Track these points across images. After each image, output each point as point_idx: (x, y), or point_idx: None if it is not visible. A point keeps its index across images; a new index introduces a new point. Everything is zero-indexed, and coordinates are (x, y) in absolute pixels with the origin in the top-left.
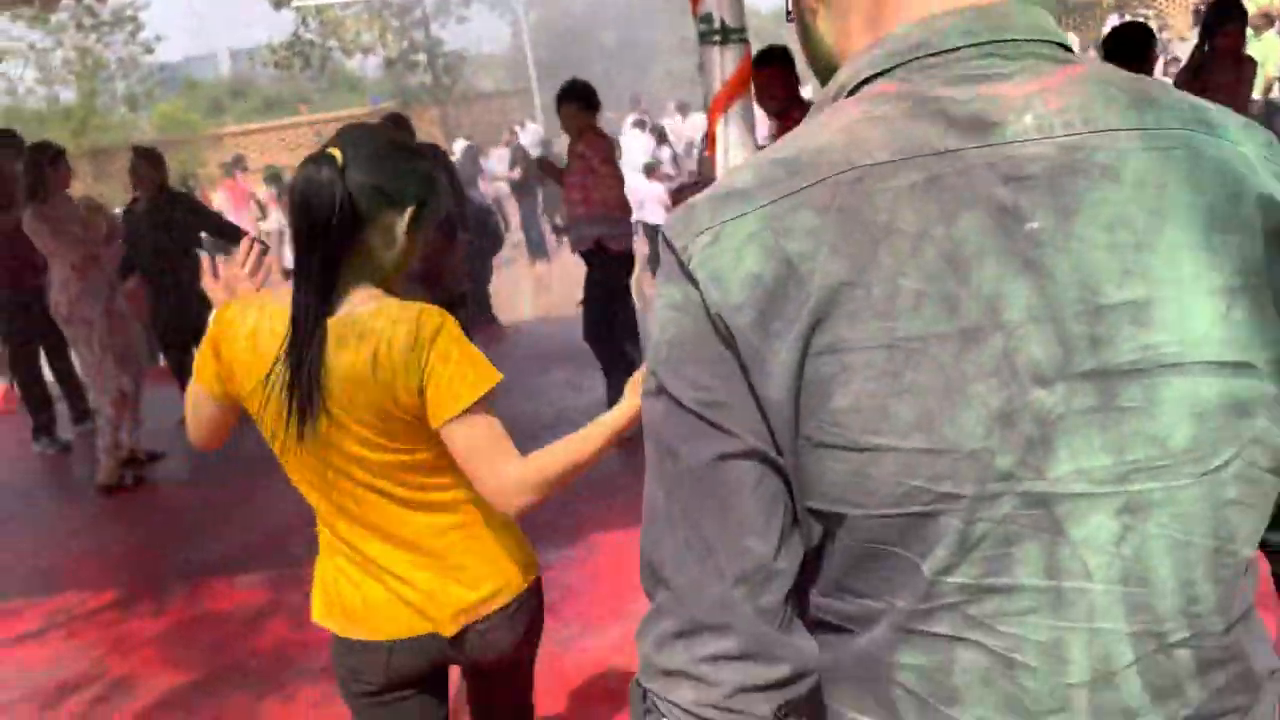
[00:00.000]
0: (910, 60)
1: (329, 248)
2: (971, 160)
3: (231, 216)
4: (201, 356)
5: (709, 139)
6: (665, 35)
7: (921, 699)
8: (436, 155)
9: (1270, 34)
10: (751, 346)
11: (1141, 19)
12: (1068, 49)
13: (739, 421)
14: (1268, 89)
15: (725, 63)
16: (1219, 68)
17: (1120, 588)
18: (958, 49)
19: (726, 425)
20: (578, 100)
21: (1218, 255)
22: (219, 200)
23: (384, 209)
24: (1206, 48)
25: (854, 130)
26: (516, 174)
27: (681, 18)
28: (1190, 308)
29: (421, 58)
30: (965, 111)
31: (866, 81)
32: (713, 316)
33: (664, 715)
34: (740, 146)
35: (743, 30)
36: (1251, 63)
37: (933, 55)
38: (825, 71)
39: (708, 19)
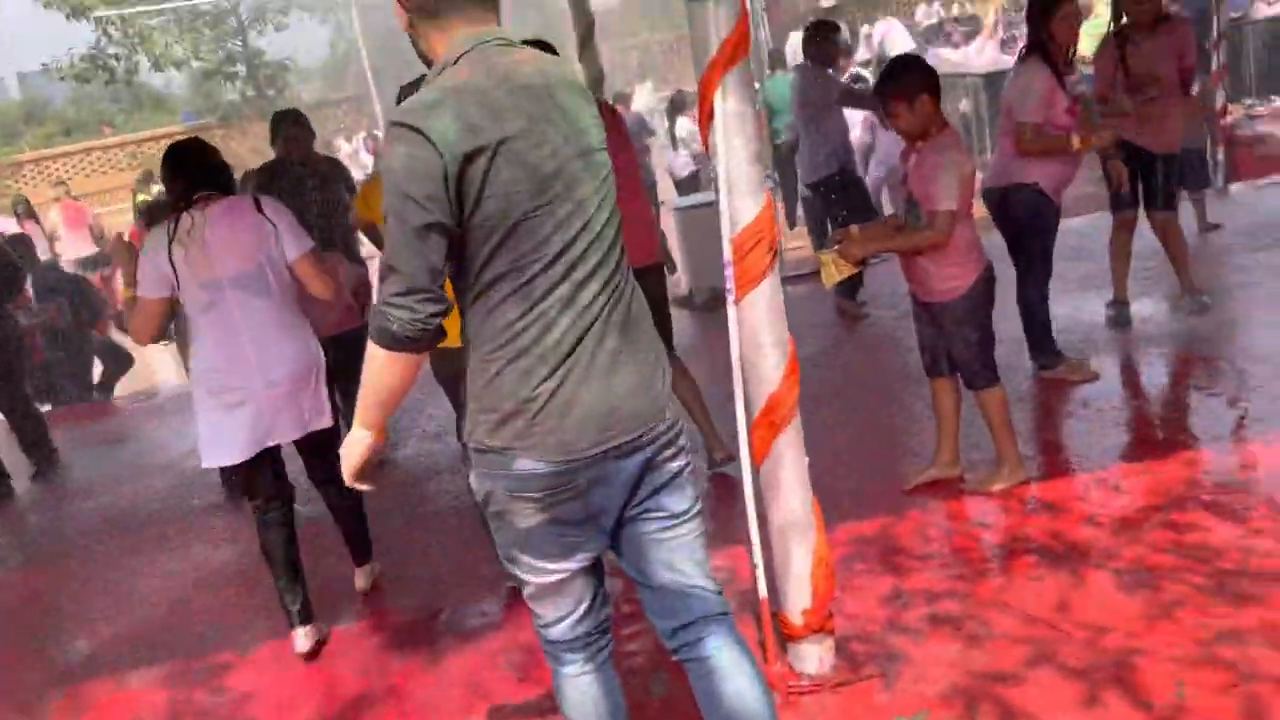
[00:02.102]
0: (468, 51)
1: None
2: (513, 82)
3: (68, 238)
4: None
5: (702, 112)
6: None
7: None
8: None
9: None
10: (457, 166)
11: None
12: (515, 44)
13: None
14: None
15: (719, 22)
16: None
17: None
18: (491, 41)
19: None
20: None
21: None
22: (54, 221)
23: None
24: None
25: (465, 74)
26: None
27: (521, 26)
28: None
29: (240, 69)
30: (505, 63)
31: (455, 62)
32: (441, 151)
33: (390, 320)
34: (740, 119)
35: None
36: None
37: (479, 46)
38: (426, 58)
39: None
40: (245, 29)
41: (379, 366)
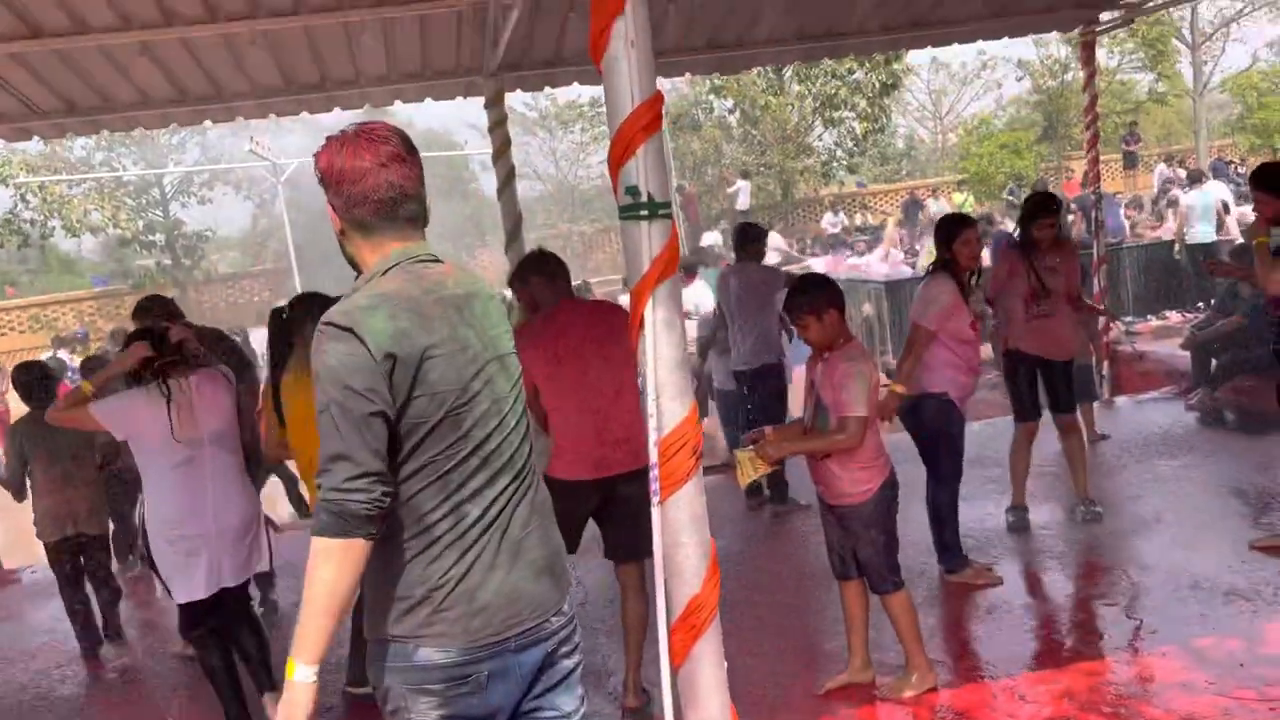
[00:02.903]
0: (397, 264)
1: None
2: (438, 294)
3: None
4: None
5: (634, 321)
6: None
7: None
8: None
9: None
10: (387, 366)
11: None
12: (439, 260)
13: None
14: None
15: (653, 239)
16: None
17: None
18: (416, 258)
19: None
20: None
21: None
22: None
23: None
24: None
25: (395, 284)
26: None
27: (445, 203)
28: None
29: (159, 238)
30: (430, 277)
31: (385, 273)
32: (372, 352)
33: (347, 503)
34: (669, 328)
35: (669, 205)
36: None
37: (407, 261)
38: (353, 261)
39: (633, 191)
40: (168, 200)
41: (333, 564)
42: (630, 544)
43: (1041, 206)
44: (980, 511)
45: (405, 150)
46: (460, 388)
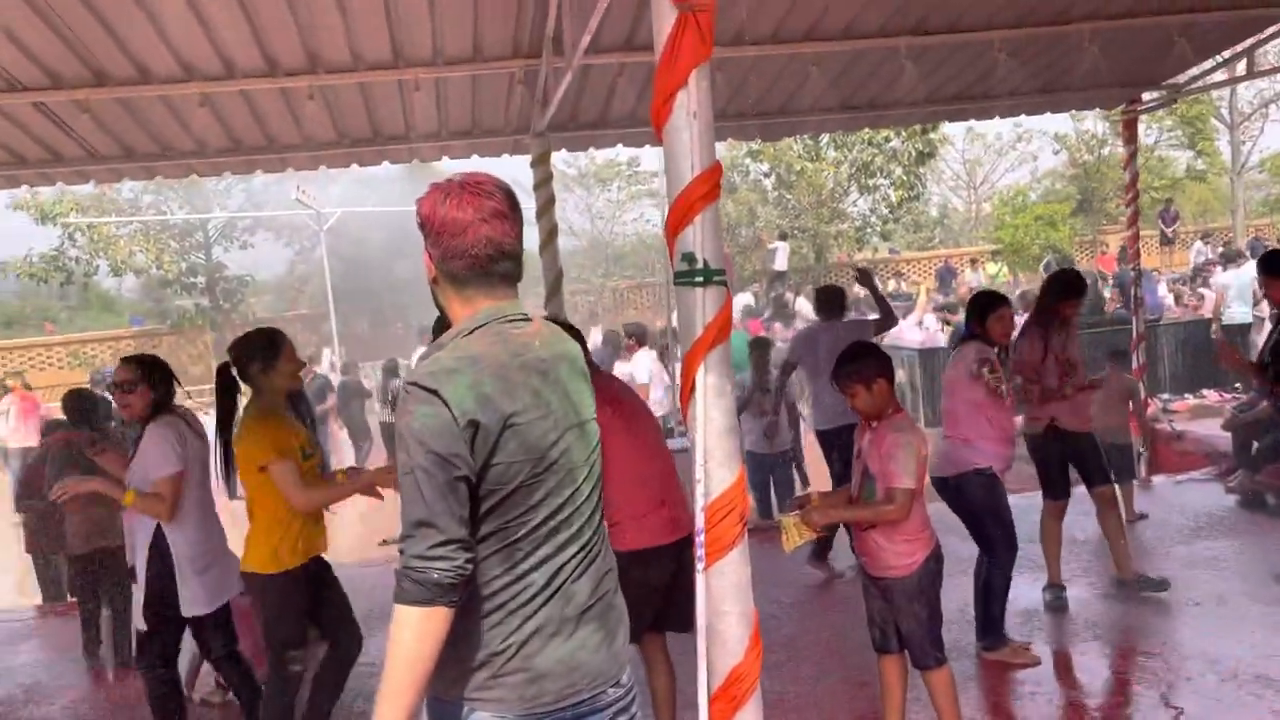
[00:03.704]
0: (487, 323)
1: None
2: (524, 357)
3: (19, 426)
4: None
5: (684, 386)
6: None
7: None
8: None
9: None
10: (469, 432)
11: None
12: (529, 318)
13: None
14: None
15: (707, 305)
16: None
17: None
18: (507, 318)
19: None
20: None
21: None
22: (7, 405)
23: None
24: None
25: (481, 346)
26: (330, 402)
27: None
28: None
29: (200, 280)
30: (518, 339)
31: (472, 331)
32: (455, 416)
33: (430, 572)
34: (719, 395)
35: (724, 272)
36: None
37: (497, 320)
38: (443, 310)
39: (689, 258)
40: (211, 244)
41: (417, 633)
42: (688, 613)
43: (1075, 287)
44: (1017, 589)
45: (508, 207)
46: (538, 456)
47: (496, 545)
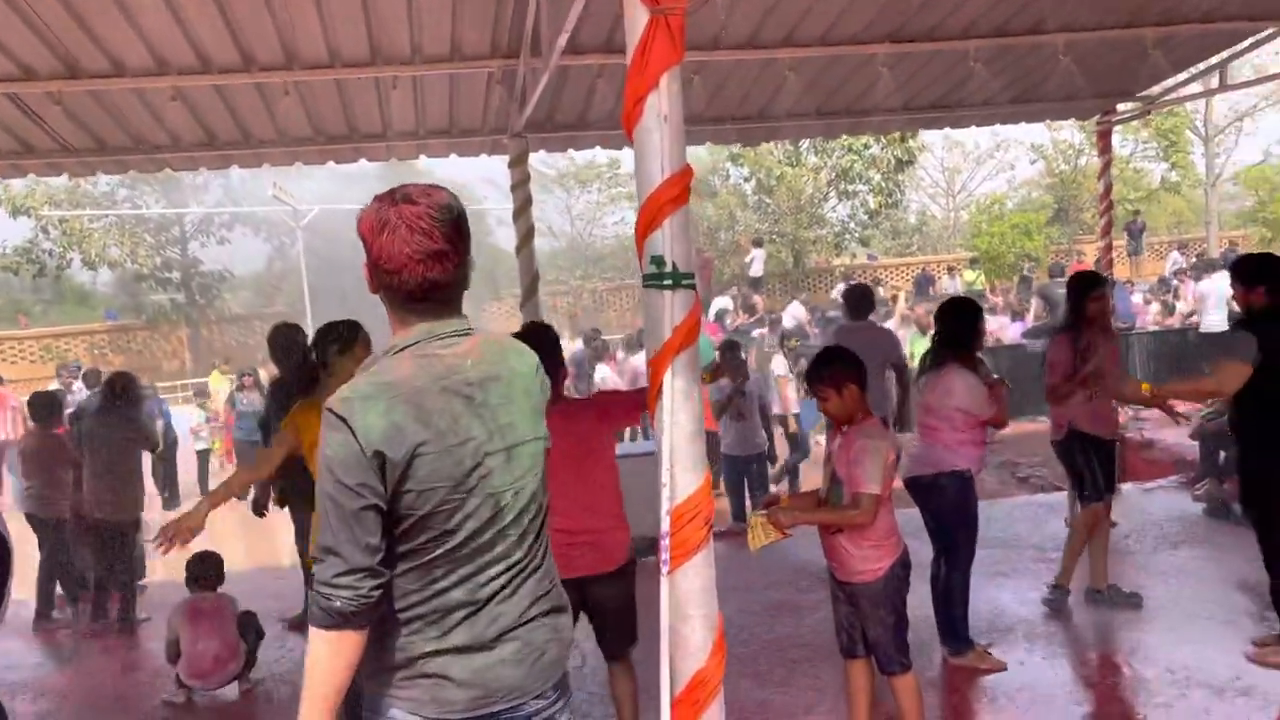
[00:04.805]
0: (417, 342)
1: None
2: (447, 380)
3: None
4: None
5: (651, 390)
6: None
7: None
8: None
9: None
10: (376, 461)
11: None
12: (468, 332)
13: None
14: None
15: (675, 309)
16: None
17: None
18: (440, 336)
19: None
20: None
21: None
22: None
23: None
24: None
25: (403, 371)
26: None
27: None
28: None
29: (175, 275)
30: (445, 360)
31: (400, 350)
32: (362, 447)
33: (334, 599)
34: (686, 398)
35: (692, 276)
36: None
37: (428, 340)
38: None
39: (658, 261)
40: (187, 239)
41: (327, 653)
42: (615, 642)
43: (1092, 282)
44: (982, 594)
45: (447, 242)
46: (454, 483)
47: (413, 563)
